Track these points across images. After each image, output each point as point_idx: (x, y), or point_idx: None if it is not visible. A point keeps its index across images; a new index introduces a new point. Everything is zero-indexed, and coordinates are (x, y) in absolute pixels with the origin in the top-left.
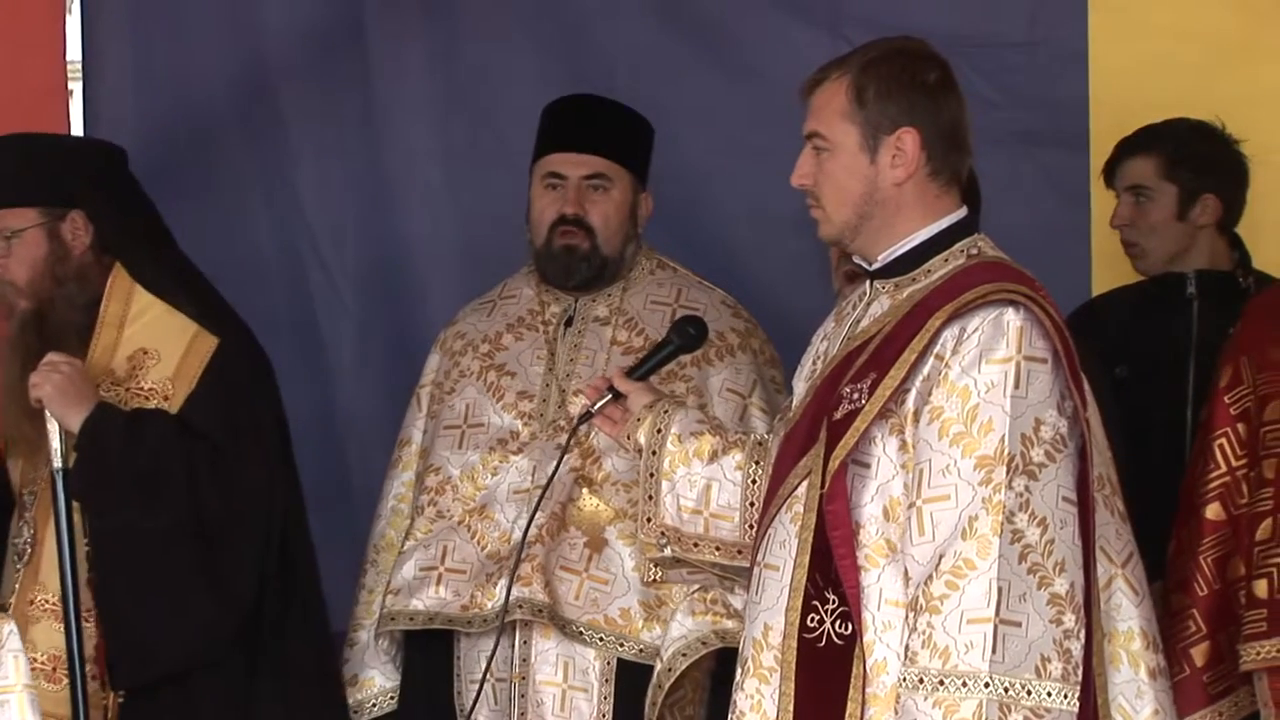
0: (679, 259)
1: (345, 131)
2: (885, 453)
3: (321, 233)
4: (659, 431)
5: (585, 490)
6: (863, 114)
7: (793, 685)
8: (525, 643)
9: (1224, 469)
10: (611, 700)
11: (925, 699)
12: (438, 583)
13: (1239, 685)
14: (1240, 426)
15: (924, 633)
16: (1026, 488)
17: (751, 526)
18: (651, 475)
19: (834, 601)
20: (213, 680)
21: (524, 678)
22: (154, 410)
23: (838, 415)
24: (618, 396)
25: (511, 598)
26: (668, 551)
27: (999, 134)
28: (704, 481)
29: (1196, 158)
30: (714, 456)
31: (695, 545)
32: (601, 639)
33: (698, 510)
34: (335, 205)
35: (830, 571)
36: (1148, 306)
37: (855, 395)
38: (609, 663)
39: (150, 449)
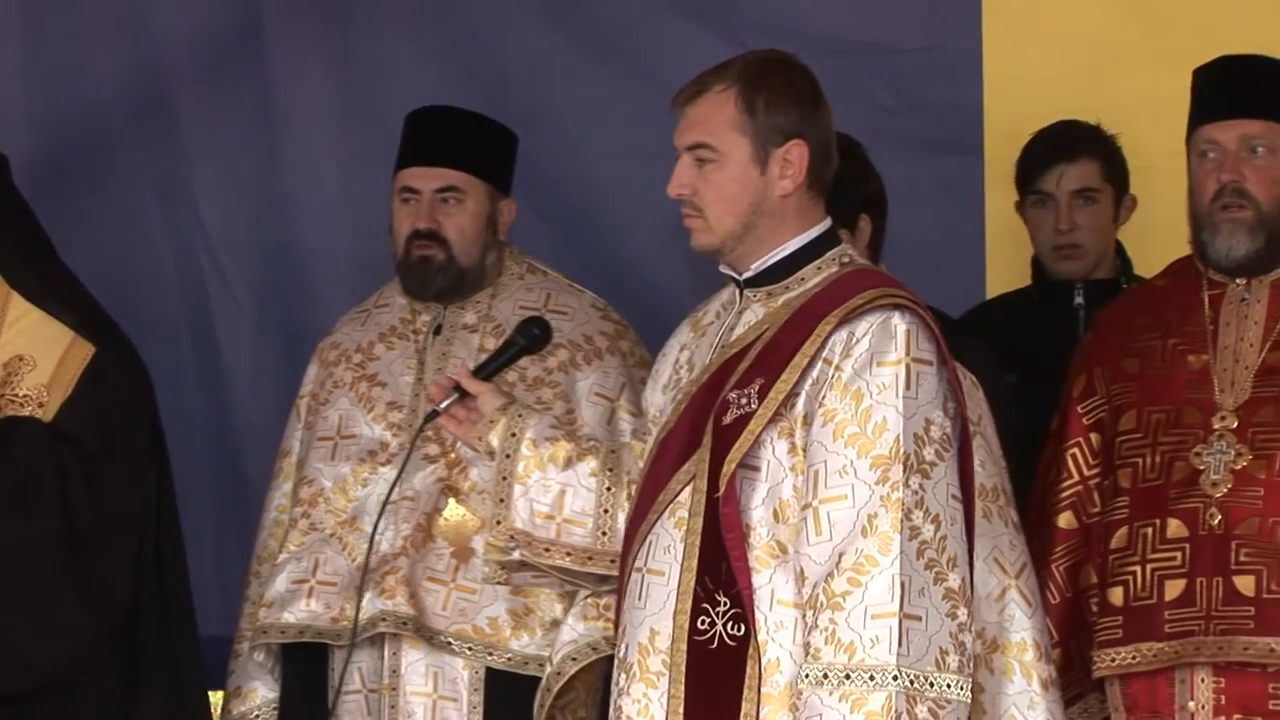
0: (572, 263)
1: (240, 134)
2: (775, 455)
3: (217, 236)
4: (513, 435)
5: (452, 500)
6: (753, 125)
7: (682, 688)
8: (394, 654)
9: (1076, 478)
10: (480, 709)
11: (831, 694)
12: (309, 595)
13: (1089, 691)
14: (1093, 436)
15: (826, 629)
16: (921, 485)
17: (605, 533)
18: (504, 478)
19: (725, 604)
20: (89, 689)
21: (394, 689)
22: (26, 418)
23: (727, 420)
24: (465, 396)
25: (376, 610)
26: (515, 555)
27: (895, 139)
28: (559, 487)
29: (1121, 159)
30: (569, 463)
31: (546, 550)
32: (470, 649)
33: (550, 515)
34: (230, 209)
35: (720, 574)
36: (1035, 313)
37: (744, 400)
38: (477, 672)
39: (21, 457)
